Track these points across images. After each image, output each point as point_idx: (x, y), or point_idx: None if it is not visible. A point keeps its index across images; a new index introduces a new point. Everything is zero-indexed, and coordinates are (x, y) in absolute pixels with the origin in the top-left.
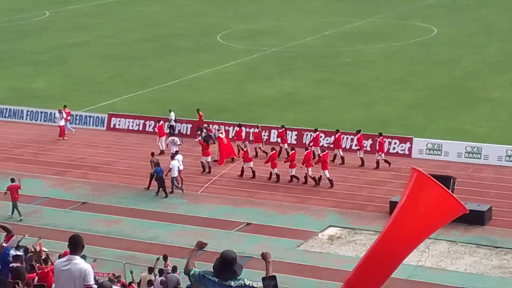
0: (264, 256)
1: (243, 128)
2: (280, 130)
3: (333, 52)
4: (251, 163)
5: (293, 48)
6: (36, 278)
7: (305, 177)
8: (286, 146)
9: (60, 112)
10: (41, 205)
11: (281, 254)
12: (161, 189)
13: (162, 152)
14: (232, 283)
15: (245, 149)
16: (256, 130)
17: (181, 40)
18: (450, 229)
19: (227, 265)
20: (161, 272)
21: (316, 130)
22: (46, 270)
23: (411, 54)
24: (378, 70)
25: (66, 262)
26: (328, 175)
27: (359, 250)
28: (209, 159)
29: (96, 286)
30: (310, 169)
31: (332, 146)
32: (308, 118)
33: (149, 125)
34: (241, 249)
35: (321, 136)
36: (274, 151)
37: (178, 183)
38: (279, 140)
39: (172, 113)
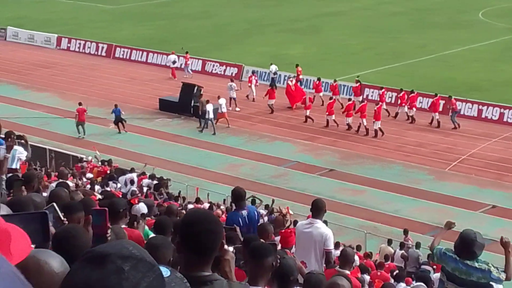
0: (503, 244)
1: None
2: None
3: None
4: (308, 111)
5: None
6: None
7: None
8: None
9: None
10: (290, 168)
11: None
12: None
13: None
14: (476, 264)
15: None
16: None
17: (438, 15)
18: None
19: (466, 246)
20: (402, 245)
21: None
22: (289, 231)
23: None
24: None
25: (308, 225)
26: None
27: None
28: (272, 102)
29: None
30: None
31: None
32: None
33: (391, 96)
34: (483, 231)
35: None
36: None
37: (213, 124)
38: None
39: (273, 66)
